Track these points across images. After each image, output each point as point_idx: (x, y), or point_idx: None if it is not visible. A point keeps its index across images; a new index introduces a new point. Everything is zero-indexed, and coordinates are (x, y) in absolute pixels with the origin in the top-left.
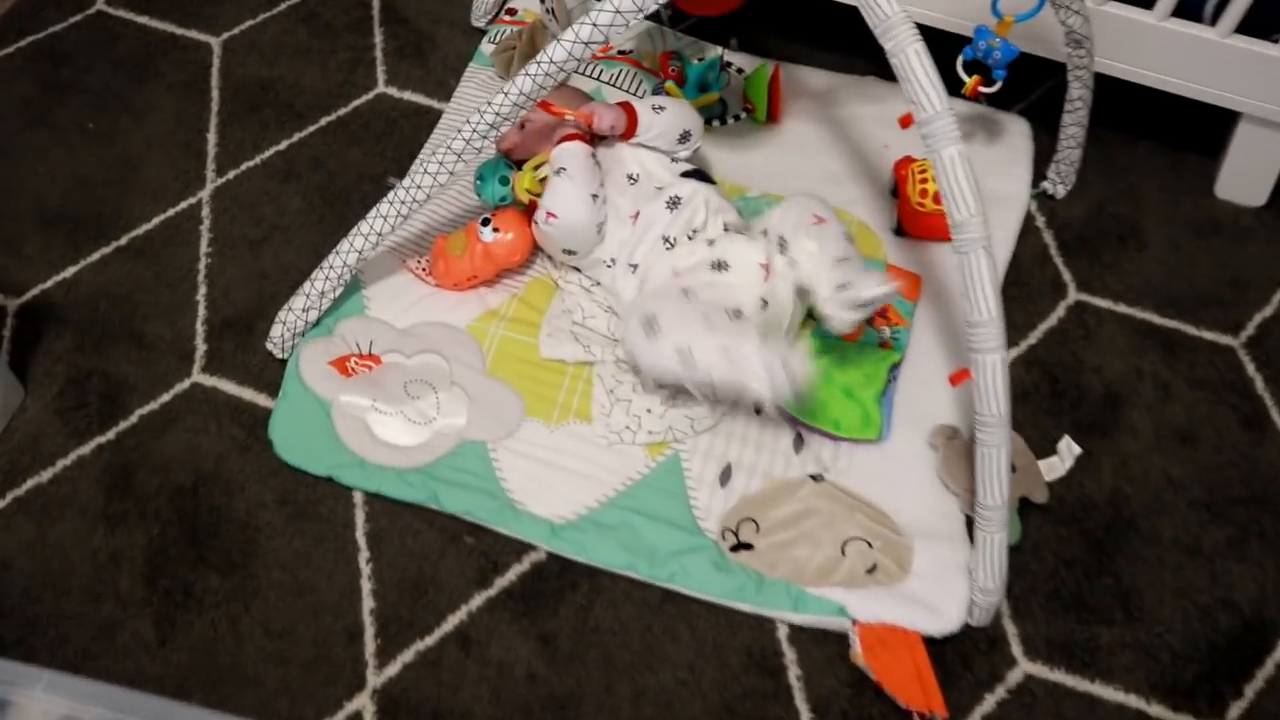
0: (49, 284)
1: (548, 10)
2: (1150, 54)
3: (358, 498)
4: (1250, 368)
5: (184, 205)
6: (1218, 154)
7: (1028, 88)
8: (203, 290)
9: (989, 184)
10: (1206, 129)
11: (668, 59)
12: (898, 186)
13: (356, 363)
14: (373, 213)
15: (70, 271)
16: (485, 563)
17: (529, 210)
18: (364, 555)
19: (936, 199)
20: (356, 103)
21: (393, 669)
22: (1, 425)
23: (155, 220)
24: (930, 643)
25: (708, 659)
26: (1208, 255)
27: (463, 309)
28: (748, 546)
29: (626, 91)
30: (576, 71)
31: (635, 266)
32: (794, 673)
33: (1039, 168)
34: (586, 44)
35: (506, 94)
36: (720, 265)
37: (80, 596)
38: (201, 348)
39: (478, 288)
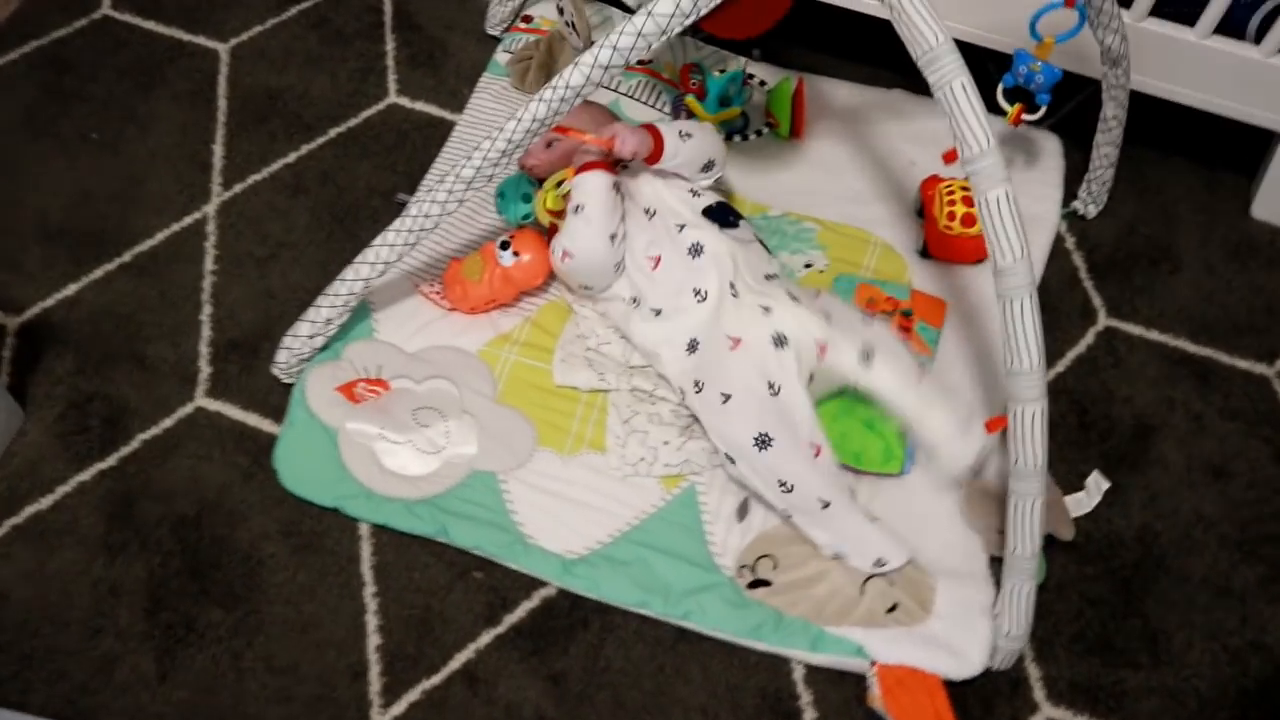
0: (50, 302)
1: (567, 22)
2: (1190, 72)
3: (364, 530)
4: None
5: (189, 220)
6: (1255, 172)
7: (1059, 101)
8: (207, 310)
9: (1018, 203)
10: (1244, 145)
11: (688, 71)
12: (924, 207)
13: (364, 388)
14: (379, 240)
15: (72, 289)
16: (494, 599)
17: (549, 231)
18: (370, 590)
19: (965, 221)
20: (367, 113)
21: (398, 708)
22: (1, 450)
23: (159, 236)
24: (950, 685)
25: (721, 701)
26: (1243, 279)
27: (474, 333)
28: (765, 584)
29: (645, 104)
30: None
31: (659, 312)
32: (810, 715)
33: (1070, 186)
34: (606, 68)
35: (520, 120)
36: (780, 341)
37: (79, 630)
38: (205, 370)
39: (491, 311)
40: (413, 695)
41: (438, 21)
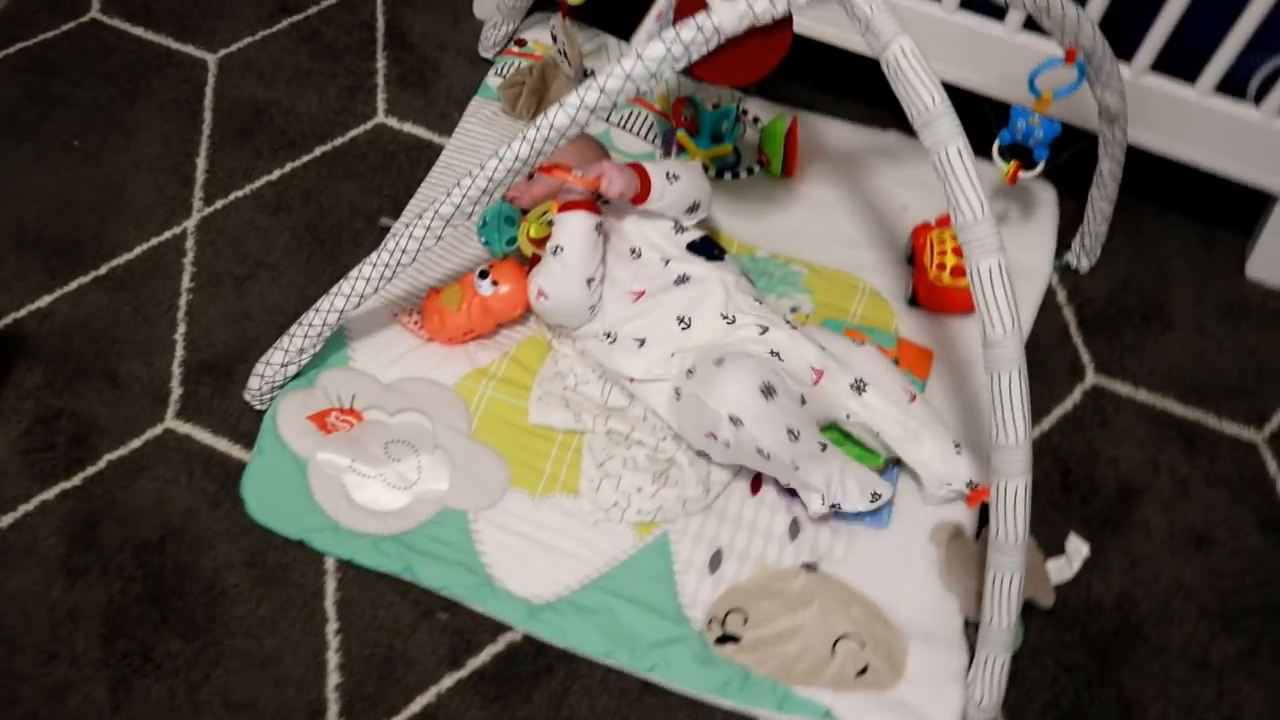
0: (22, 313)
1: (560, 50)
2: (1189, 130)
3: (329, 564)
4: (1272, 466)
5: (168, 235)
6: (1252, 230)
7: (1056, 149)
8: (182, 329)
9: (1010, 256)
10: (1241, 203)
11: (681, 105)
12: (915, 254)
13: (337, 418)
14: (355, 272)
15: (45, 301)
16: (458, 641)
17: (530, 261)
18: (332, 626)
19: (955, 272)
20: (354, 133)
21: None
22: None
23: (137, 250)
24: None
25: None
26: (1235, 340)
27: (451, 365)
28: (734, 639)
29: (636, 135)
30: None
31: (642, 342)
32: None
33: (1063, 237)
34: (592, 110)
35: (502, 159)
36: (776, 357)
37: (33, 654)
38: (177, 391)
39: (468, 343)
40: None
41: (431, 41)
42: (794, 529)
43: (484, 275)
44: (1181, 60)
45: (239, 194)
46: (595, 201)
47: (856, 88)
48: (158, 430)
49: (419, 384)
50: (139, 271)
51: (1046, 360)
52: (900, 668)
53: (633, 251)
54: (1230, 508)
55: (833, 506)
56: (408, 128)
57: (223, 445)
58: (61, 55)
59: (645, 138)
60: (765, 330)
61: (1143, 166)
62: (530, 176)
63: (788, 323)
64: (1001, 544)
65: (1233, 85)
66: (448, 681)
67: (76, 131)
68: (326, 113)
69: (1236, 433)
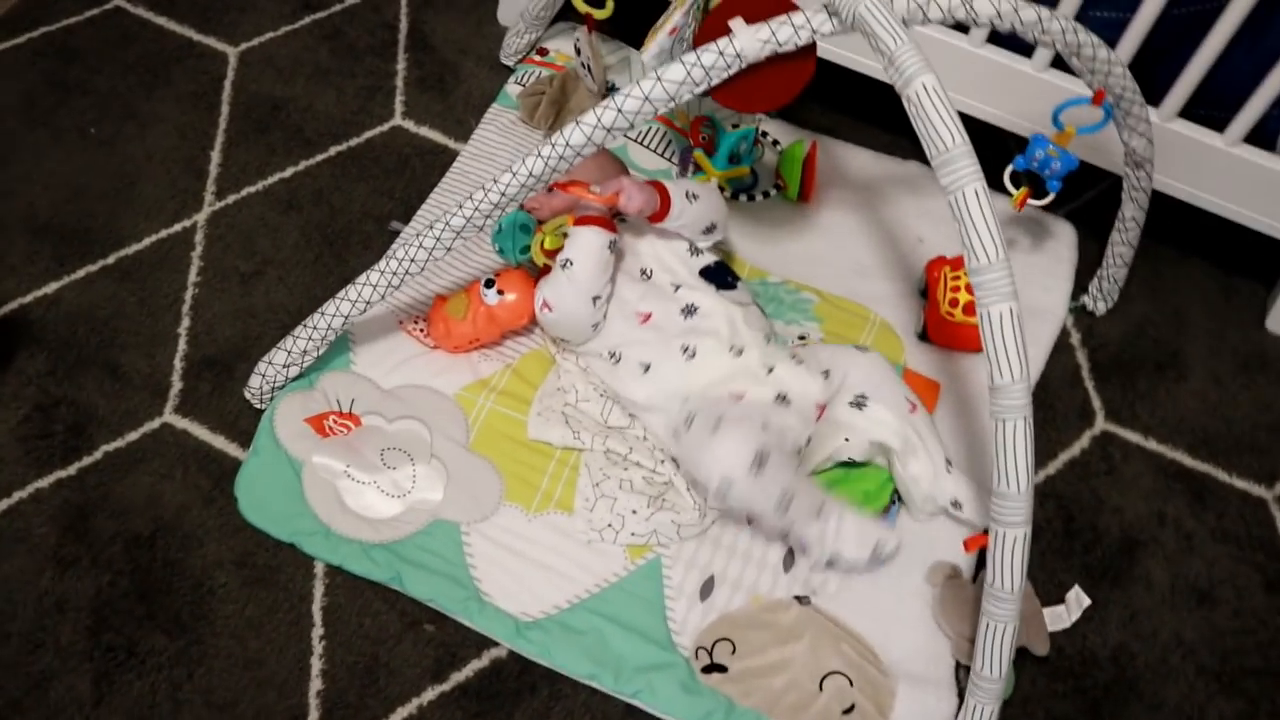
0: (28, 299)
1: (583, 64)
2: (1215, 178)
3: (319, 568)
4: None
5: (178, 228)
6: (1274, 283)
7: (1079, 189)
8: (186, 323)
9: (1025, 295)
10: (1265, 255)
11: (699, 124)
12: (928, 288)
13: (335, 422)
14: (362, 278)
15: (52, 287)
16: (443, 654)
17: (540, 272)
18: (318, 631)
19: (967, 309)
20: (370, 134)
21: None
22: None
23: (146, 241)
24: None
25: None
26: (1250, 394)
27: (453, 374)
28: (721, 669)
29: (653, 151)
30: None
31: (647, 367)
32: None
33: (1081, 278)
34: (609, 130)
35: (515, 174)
36: (783, 399)
37: (19, 643)
38: (177, 385)
39: (471, 352)
40: None
41: (452, 45)
42: (788, 560)
43: (490, 284)
44: (1212, 107)
45: (251, 190)
46: (612, 218)
47: (879, 114)
48: (155, 424)
49: (419, 391)
50: (147, 263)
51: (1056, 403)
52: (887, 710)
53: (644, 272)
54: (1235, 565)
55: (828, 563)
56: (424, 131)
57: (219, 442)
58: (83, 42)
59: (663, 155)
60: (771, 370)
61: (1166, 211)
62: (550, 190)
63: (794, 358)
64: (997, 594)
65: (1262, 136)
66: (430, 694)
67: (93, 119)
68: (344, 112)
69: (1246, 489)
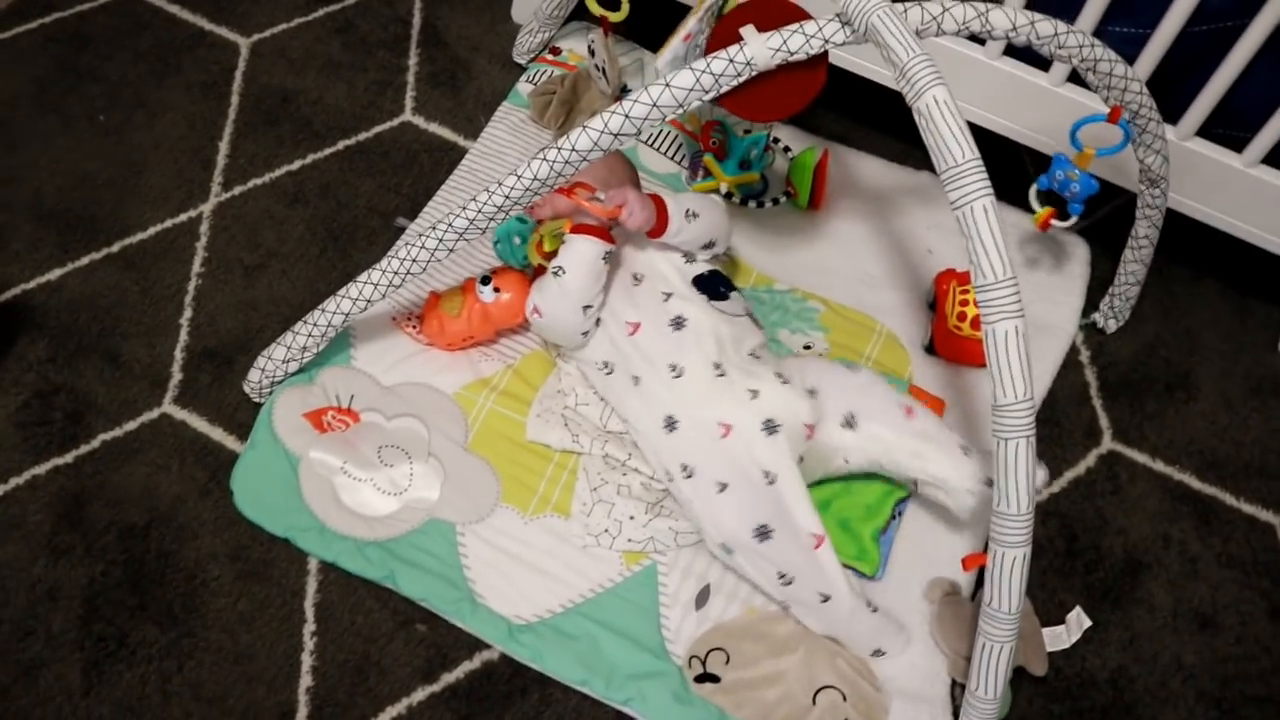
0: (31, 285)
1: (597, 66)
2: (1231, 199)
3: (313, 564)
4: None
5: (183, 218)
6: None
7: (1093, 205)
8: (188, 314)
9: (1036, 310)
10: None
11: (710, 128)
12: (936, 301)
13: (333, 417)
14: (364, 277)
15: (55, 274)
16: (434, 654)
17: (536, 272)
18: (310, 628)
19: (975, 323)
20: (379, 128)
21: None
22: None
23: (151, 230)
24: None
25: None
26: (1260, 418)
27: (453, 373)
28: (714, 679)
29: (663, 154)
30: None
31: (637, 380)
32: None
33: (1093, 296)
34: (616, 135)
35: (520, 178)
36: (771, 427)
37: (10, 630)
38: (177, 376)
39: (470, 351)
40: None
41: (465, 41)
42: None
43: (486, 281)
44: (1231, 126)
45: (258, 181)
46: (609, 230)
47: (893, 123)
48: (154, 414)
49: (419, 389)
50: (150, 252)
51: (1063, 421)
52: None
53: (634, 277)
54: (1240, 590)
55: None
56: (433, 128)
57: (217, 434)
58: (96, 28)
59: (673, 157)
60: (756, 394)
61: (1182, 230)
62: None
63: (779, 377)
64: (995, 614)
65: None
66: (420, 695)
67: (103, 106)
68: (354, 106)
69: (1254, 513)
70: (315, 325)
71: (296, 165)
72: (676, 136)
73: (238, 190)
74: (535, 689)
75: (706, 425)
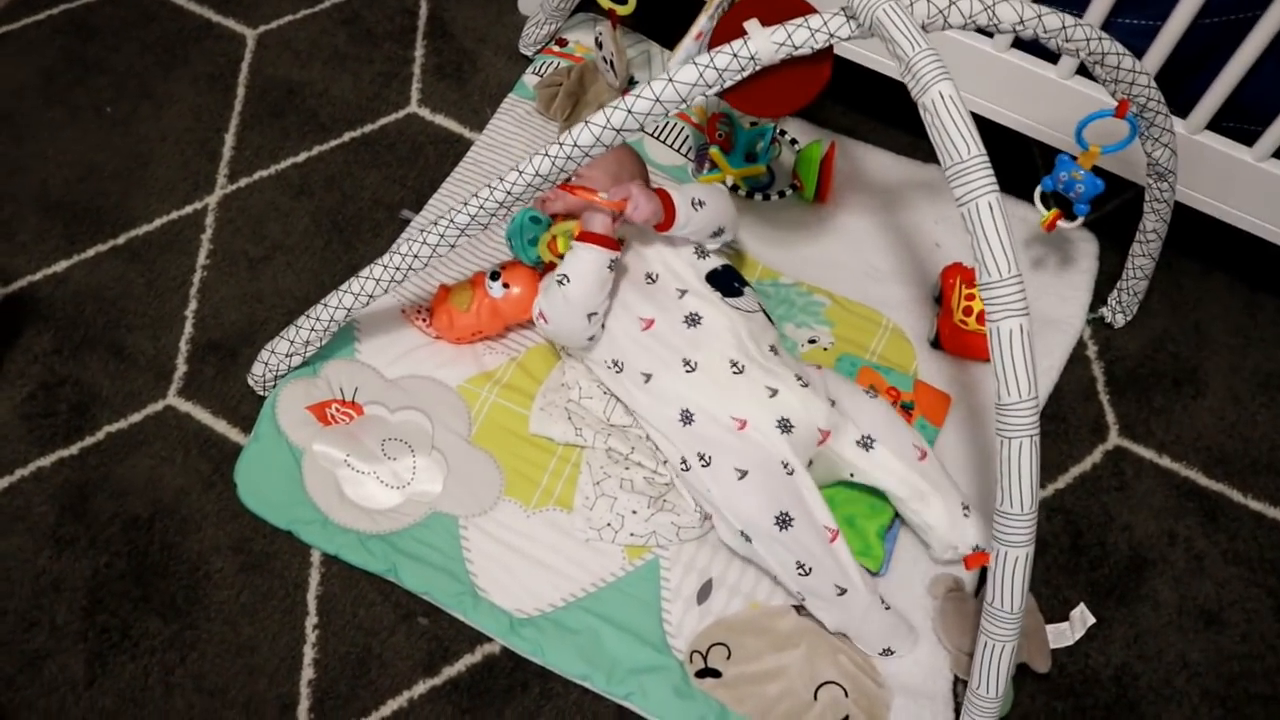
0: (37, 276)
1: (605, 58)
2: (1241, 193)
3: (315, 557)
4: None
5: (189, 210)
6: None
7: (1100, 199)
8: (193, 306)
9: (1043, 305)
10: None
11: (716, 120)
12: (943, 295)
13: (337, 410)
14: (366, 272)
15: (61, 266)
16: (436, 647)
17: (545, 267)
18: (312, 620)
19: (981, 318)
20: (385, 120)
21: None
22: None
23: (157, 222)
24: None
25: None
26: (1269, 414)
27: (457, 366)
28: (715, 674)
29: (670, 146)
30: None
31: (649, 377)
32: None
33: (1100, 290)
34: (619, 130)
35: (522, 173)
36: (785, 426)
37: (14, 621)
38: (181, 368)
39: (474, 344)
40: None
41: (471, 33)
42: None
43: (495, 276)
44: (1242, 119)
45: (263, 173)
46: (615, 239)
47: (900, 116)
48: (158, 406)
49: (423, 382)
50: (156, 244)
51: (1069, 416)
52: None
53: (649, 276)
54: (1246, 588)
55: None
56: (439, 120)
57: (221, 427)
58: (103, 20)
59: (679, 149)
60: (775, 393)
61: (1190, 224)
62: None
63: (799, 379)
64: (996, 613)
65: None
66: (421, 688)
67: (109, 98)
68: (360, 98)
69: (1261, 510)
70: (318, 320)
71: (302, 157)
72: (683, 129)
73: (243, 182)
74: (536, 683)
75: (722, 419)
